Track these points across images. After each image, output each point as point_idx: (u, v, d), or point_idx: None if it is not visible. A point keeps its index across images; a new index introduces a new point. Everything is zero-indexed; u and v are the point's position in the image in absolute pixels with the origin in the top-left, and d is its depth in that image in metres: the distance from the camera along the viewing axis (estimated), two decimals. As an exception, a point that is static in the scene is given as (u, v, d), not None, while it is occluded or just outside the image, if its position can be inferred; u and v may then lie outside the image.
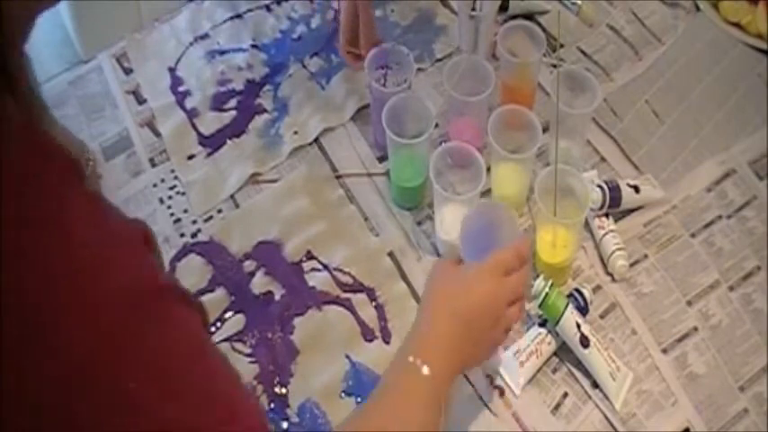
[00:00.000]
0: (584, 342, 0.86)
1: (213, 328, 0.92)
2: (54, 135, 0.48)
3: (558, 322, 0.87)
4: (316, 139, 1.06)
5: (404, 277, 0.95)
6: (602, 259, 0.96)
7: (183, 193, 1.03)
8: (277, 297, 0.94)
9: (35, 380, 0.42)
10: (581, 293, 0.90)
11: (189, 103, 1.09)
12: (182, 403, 0.47)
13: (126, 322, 0.45)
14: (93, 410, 0.43)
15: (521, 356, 0.87)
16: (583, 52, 1.12)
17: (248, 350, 0.91)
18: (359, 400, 0.87)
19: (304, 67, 1.12)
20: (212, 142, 1.06)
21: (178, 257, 0.97)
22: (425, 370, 0.69)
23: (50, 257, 0.43)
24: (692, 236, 0.98)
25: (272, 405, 0.88)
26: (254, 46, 1.14)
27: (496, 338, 0.78)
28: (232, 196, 1.02)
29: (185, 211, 1.01)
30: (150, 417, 0.45)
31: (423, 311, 0.77)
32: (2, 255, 0.42)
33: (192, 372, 0.48)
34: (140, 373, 0.45)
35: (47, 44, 1.14)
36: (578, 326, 0.87)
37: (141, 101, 1.10)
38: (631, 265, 0.95)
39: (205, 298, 0.94)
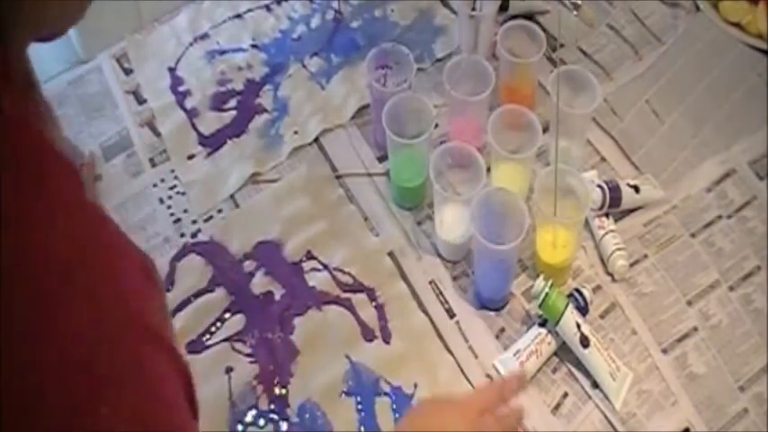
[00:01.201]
0: (584, 342, 0.86)
1: (213, 328, 0.92)
2: (53, 137, 0.45)
3: (558, 322, 0.87)
4: (316, 139, 1.06)
5: (404, 277, 0.95)
6: (602, 259, 0.96)
7: (183, 193, 1.03)
8: (277, 297, 0.94)
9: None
10: (581, 293, 0.90)
11: (189, 103, 1.09)
12: None
13: (101, 352, 0.41)
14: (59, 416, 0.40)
15: (521, 356, 0.87)
16: (583, 52, 1.12)
17: (248, 350, 0.91)
18: (359, 399, 0.88)
19: (304, 67, 1.12)
20: (212, 142, 1.06)
21: (178, 257, 0.97)
22: None
23: (37, 265, 0.40)
24: (692, 236, 0.98)
25: (272, 405, 0.88)
26: (254, 46, 1.14)
27: None
28: (232, 196, 1.02)
29: (185, 211, 1.01)
30: None
31: None
32: None
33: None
34: (112, 402, 0.41)
35: (47, 44, 1.14)
36: (578, 326, 0.87)
37: (141, 101, 1.10)
38: (631, 265, 0.95)
39: (205, 298, 0.94)
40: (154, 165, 1.05)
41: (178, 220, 1.01)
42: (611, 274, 0.95)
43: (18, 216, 0.40)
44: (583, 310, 0.90)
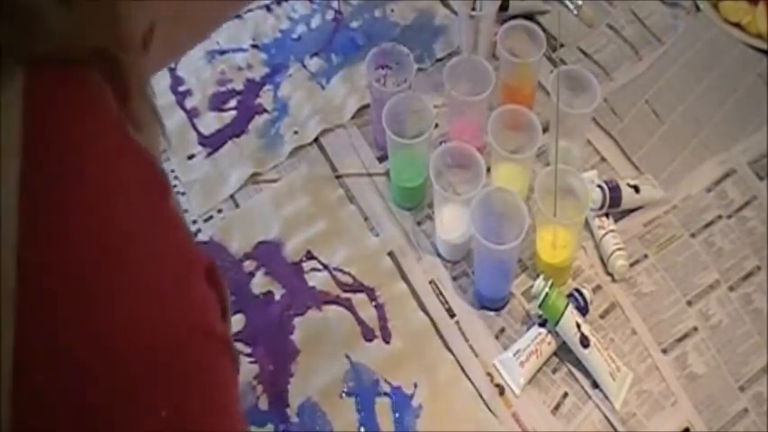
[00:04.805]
0: (584, 342, 0.86)
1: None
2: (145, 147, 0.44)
3: (557, 322, 0.87)
4: (316, 139, 1.06)
5: (404, 277, 0.95)
6: (602, 259, 0.96)
7: (183, 193, 1.03)
8: (277, 297, 0.94)
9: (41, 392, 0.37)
10: (581, 293, 0.90)
11: (189, 103, 1.09)
12: None
13: (163, 355, 0.39)
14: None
15: (521, 356, 0.87)
16: (583, 52, 1.12)
17: (248, 350, 0.91)
18: (359, 399, 0.88)
19: (304, 67, 1.12)
20: (212, 142, 1.06)
21: (178, 257, 0.97)
22: None
23: (93, 252, 0.38)
24: (692, 236, 0.98)
25: (272, 405, 0.88)
26: (254, 46, 1.14)
27: None
28: (232, 196, 1.02)
29: (185, 211, 1.01)
30: None
31: None
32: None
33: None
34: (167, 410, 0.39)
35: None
36: (578, 326, 0.87)
37: (141, 101, 1.10)
38: (631, 265, 0.95)
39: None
40: (154, 165, 1.05)
41: (178, 220, 1.01)
42: (611, 274, 0.95)
43: (92, 202, 0.39)
44: (583, 310, 0.90)
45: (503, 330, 0.92)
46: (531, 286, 0.90)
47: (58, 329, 0.36)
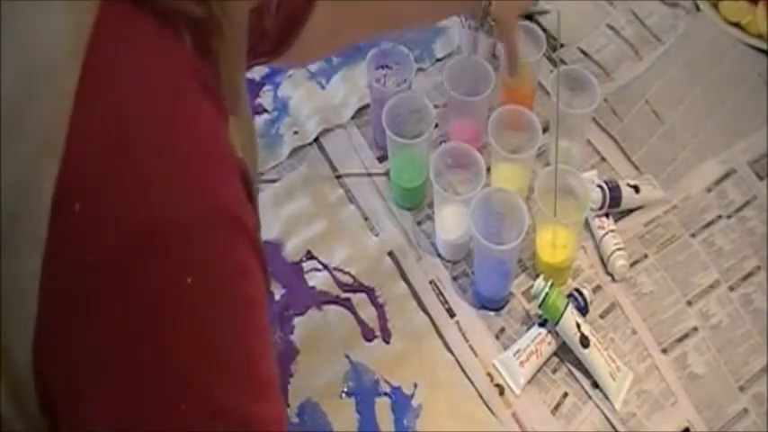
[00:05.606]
0: (584, 342, 0.86)
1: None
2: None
3: (557, 322, 0.87)
4: (316, 139, 1.06)
5: (404, 277, 0.95)
6: (602, 259, 0.96)
7: (183, 193, 1.02)
8: (277, 297, 0.94)
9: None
10: (581, 293, 0.90)
11: (189, 103, 1.09)
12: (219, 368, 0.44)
13: (192, 234, 0.42)
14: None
15: (521, 356, 0.87)
16: (583, 52, 1.12)
17: (248, 350, 0.91)
18: (359, 399, 0.88)
19: (304, 66, 1.12)
20: (212, 142, 1.06)
21: (178, 257, 0.97)
22: None
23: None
24: (692, 236, 0.98)
25: (272, 405, 0.88)
26: (254, 46, 1.14)
27: None
28: (232, 196, 1.02)
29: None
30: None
31: None
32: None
33: (235, 328, 0.45)
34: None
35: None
36: (578, 326, 0.87)
37: (141, 101, 1.10)
38: (631, 265, 0.95)
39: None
40: (154, 165, 1.05)
41: (178, 220, 1.00)
42: (611, 274, 0.95)
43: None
44: (583, 310, 0.90)
45: (503, 330, 0.92)
46: (531, 286, 0.90)
47: (93, 191, 0.39)
